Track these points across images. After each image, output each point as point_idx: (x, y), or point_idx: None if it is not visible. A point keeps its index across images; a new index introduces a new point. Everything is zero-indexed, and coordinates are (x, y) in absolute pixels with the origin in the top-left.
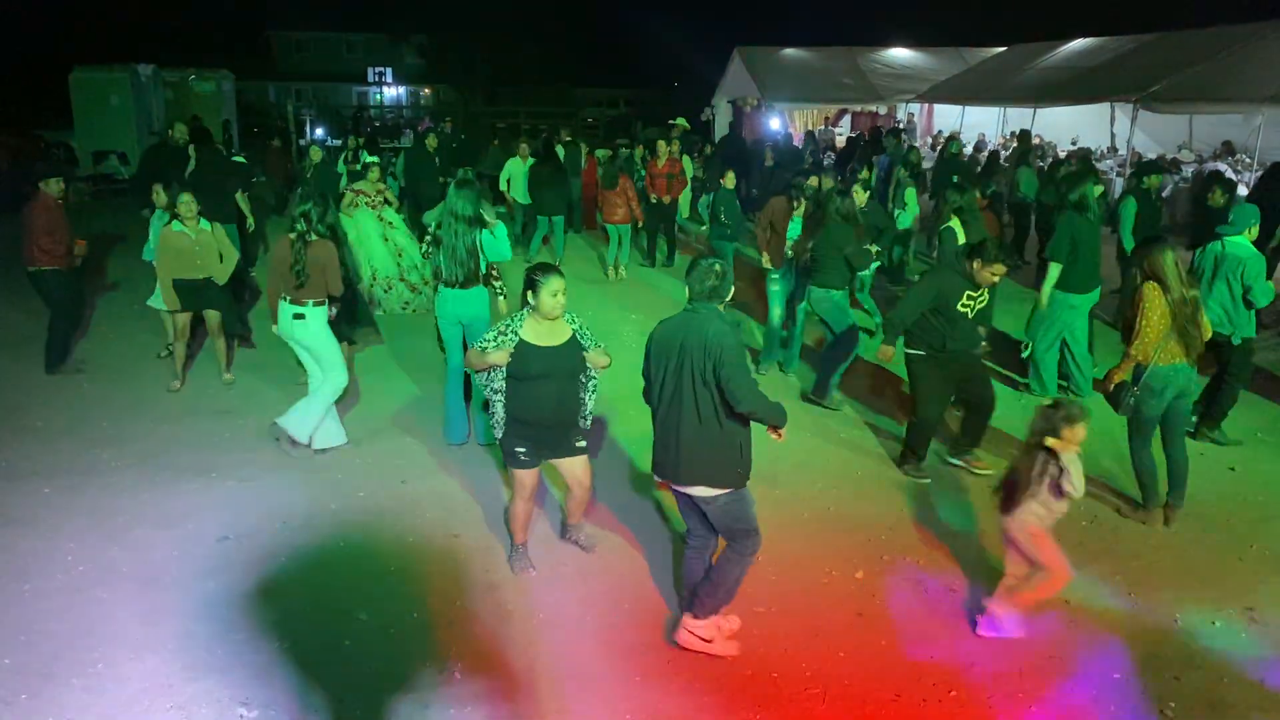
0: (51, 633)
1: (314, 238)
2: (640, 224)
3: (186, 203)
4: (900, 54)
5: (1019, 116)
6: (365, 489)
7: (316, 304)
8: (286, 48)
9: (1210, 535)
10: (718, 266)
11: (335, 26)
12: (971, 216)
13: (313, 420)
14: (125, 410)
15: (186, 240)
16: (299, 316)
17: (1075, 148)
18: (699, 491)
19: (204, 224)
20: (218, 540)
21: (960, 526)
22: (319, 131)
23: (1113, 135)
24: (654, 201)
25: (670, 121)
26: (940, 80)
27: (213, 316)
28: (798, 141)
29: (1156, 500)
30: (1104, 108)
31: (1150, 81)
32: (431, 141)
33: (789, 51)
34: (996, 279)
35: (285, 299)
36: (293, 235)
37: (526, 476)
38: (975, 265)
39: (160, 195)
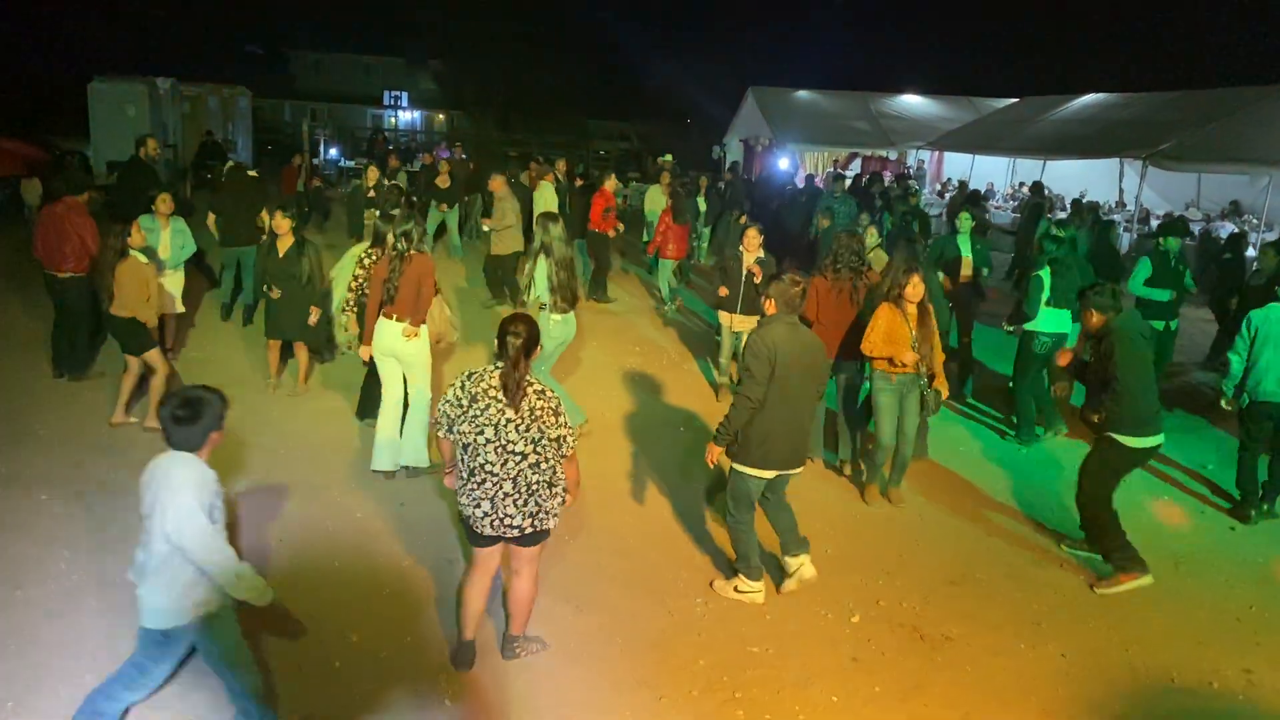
0: (41, 641)
1: (412, 254)
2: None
3: (142, 229)
4: (912, 100)
5: (1028, 167)
6: (362, 510)
7: (421, 320)
8: (304, 67)
9: (1208, 594)
10: (801, 282)
11: (353, 49)
12: (1064, 268)
13: (424, 438)
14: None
15: (153, 271)
16: (408, 333)
17: (1083, 200)
18: (799, 469)
19: (142, 256)
20: None
21: (958, 573)
22: (333, 152)
23: (1121, 190)
24: (599, 235)
25: (658, 159)
26: (951, 128)
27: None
28: (800, 182)
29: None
30: (1113, 162)
31: (1160, 139)
32: (444, 181)
33: (802, 94)
34: None
35: (392, 316)
36: (394, 254)
37: None
38: None
39: (166, 203)
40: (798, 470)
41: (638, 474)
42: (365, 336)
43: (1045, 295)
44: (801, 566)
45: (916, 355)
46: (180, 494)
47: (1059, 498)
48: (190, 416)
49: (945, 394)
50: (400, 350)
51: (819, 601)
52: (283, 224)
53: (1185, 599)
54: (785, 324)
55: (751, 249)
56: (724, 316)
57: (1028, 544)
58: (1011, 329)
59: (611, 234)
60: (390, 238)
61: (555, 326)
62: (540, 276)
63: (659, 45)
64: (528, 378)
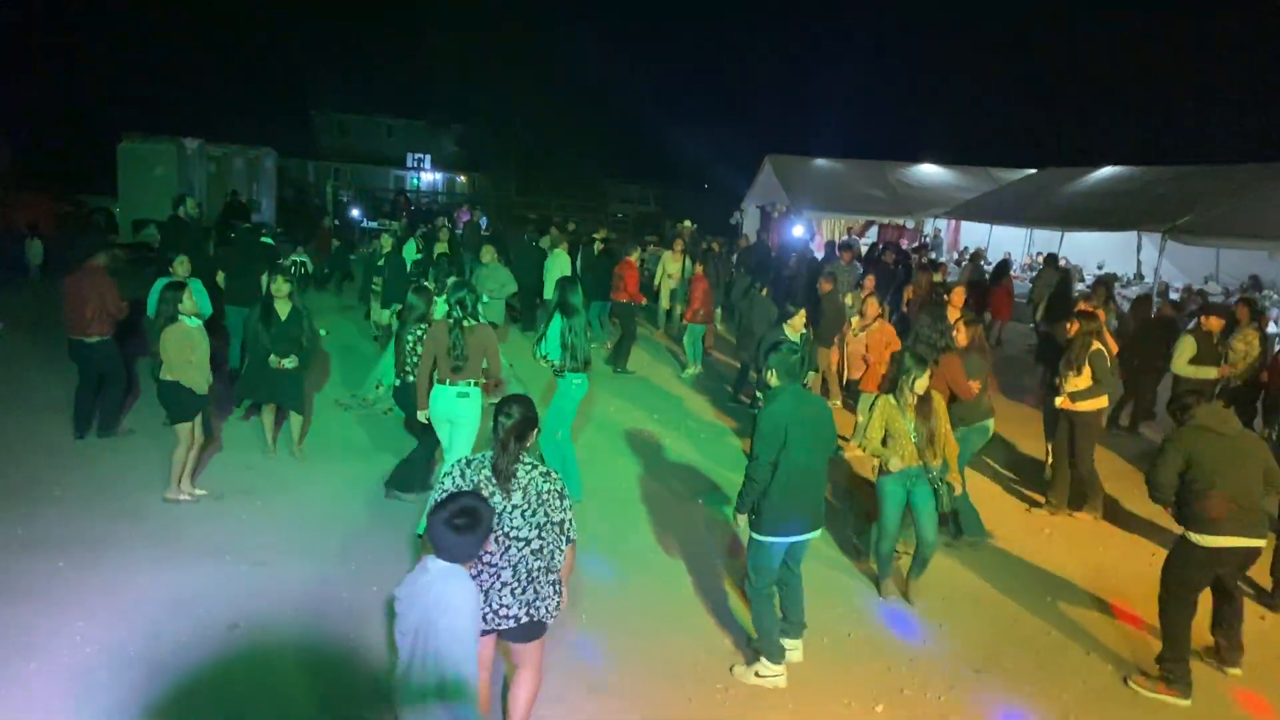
0: (54, 717)
1: (471, 323)
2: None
3: (191, 295)
4: (929, 170)
5: (1046, 237)
6: (379, 581)
7: (476, 383)
8: (329, 128)
9: (1239, 685)
10: (798, 350)
11: (378, 111)
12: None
13: None
14: (145, 484)
15: (201, 336)
16: (464, 395)
17: (1101, 272)
18: (817, 532)
19: (191, 320)
20: (228, 627)
21: (984, 660)
22: (355, 212)
23: (1139, 263)
24: (626, 305)
25: (679, 224)
26: (968, 198)
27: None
28: (819, 250)
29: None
30: (1131, 234)
31: (1178, 213)
32: (442, 245)
33: (819, 162)
34: None
35: (444, 382)
36: (450, 321)
37: None
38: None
39: (184, 265)
40: (816, 534)
41: (655, 547)
42: (420, 403)
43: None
44: (792, 651)
45: (912, 447)
46: (459, 617)
47: (1089, 580)
48: (469, 525)
49: (959, 489)
50: (458, 412)
51: (842, 690)
52: (283, 288)
53: (1217, 690)
54: (789, 393)
55: (797, 329)
56: None
57: (1057, 629)
58: (1073, 405)
59: (642, 301)
60: (444, 305)
61: (572, 386)
62: (554, 335)
63: (678, 110)
64: (529, 460)
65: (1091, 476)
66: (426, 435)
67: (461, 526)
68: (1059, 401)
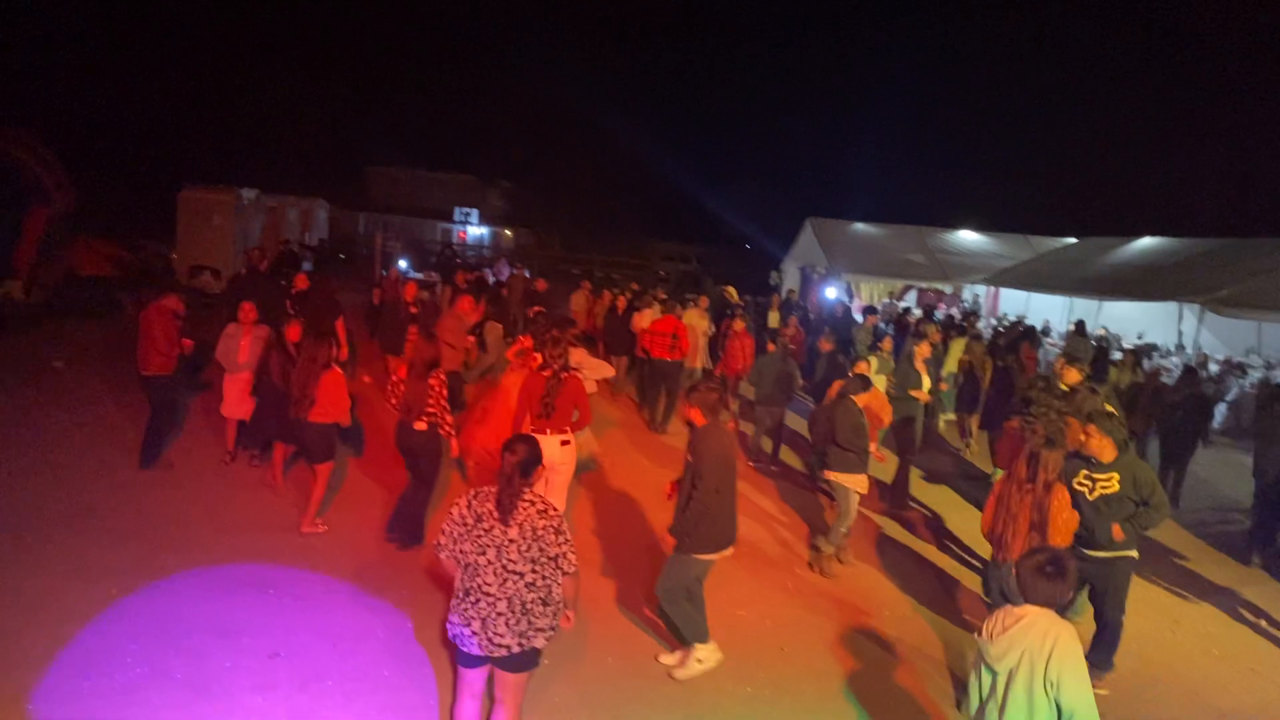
0: None
1: (565, 376)
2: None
3: (342, 344)
4: (968, 237)
5: (1085, 307)
6: (417, 618)
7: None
8: (380, 181)
9: None
10: (716, 388)
11: (427, 165)
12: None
13: None
14: (194, 518)
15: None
16: (565, 443)
17: (1141, 342)
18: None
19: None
20: (269, 655)
21: None
22: (402, 263)
23: (1180, 334)
24: (652, 360)
25: (724, 288)
26: (1006, 265)
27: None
28: (857, 313)
29: None
30: (1171, 304)
31: (1218, 285)
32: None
33: (859, 226)
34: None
35: (546, 432)
36: (548, 373)
37: None
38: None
39: (250, 311)
40: (729, 552)
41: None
42: None
43: None
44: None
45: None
46: (1078, 662)
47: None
48: (1058, 573)
49: None
50: (553, 458)
51: None
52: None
53: None
54: (717, 428)
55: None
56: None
57: None
58: None
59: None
60: (545, 357)
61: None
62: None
63: (722, 172)
64: (530, 497)
65: None
66: (429, 478)
67: (1052, 574)
68: None
